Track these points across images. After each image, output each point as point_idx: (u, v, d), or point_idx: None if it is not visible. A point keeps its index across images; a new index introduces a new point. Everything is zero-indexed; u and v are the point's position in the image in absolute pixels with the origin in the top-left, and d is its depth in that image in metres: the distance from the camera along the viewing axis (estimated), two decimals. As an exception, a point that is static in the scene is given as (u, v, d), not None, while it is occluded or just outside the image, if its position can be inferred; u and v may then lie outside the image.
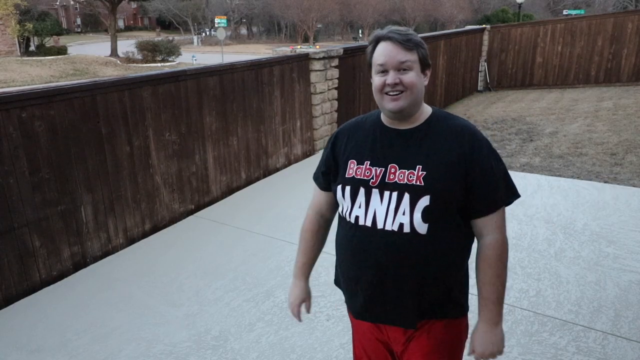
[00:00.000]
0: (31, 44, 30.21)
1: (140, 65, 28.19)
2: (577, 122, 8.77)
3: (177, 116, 4.33)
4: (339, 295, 3.17)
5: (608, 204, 4.37)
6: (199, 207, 4.63)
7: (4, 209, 3.10)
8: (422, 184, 1.37)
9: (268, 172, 5.54)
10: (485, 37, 13.46)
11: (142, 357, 2.65)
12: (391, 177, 1.41)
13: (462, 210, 1.43)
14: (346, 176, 1.48)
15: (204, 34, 53.90)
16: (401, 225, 1.39)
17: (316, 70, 5.99)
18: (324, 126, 6.36)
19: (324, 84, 6.16)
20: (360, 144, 1.50)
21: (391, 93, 1.39)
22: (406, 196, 1.38)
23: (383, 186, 1.41)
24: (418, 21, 46.15)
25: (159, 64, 28.03)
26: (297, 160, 5.99)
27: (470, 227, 1.47)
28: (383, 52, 1.40)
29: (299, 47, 34.07)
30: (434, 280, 1.42)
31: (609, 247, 3.67)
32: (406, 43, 1.39)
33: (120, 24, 58.27)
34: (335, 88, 6.45)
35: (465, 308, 1.53)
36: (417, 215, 1.37)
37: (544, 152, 6.97)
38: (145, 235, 4.12)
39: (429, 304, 1.44)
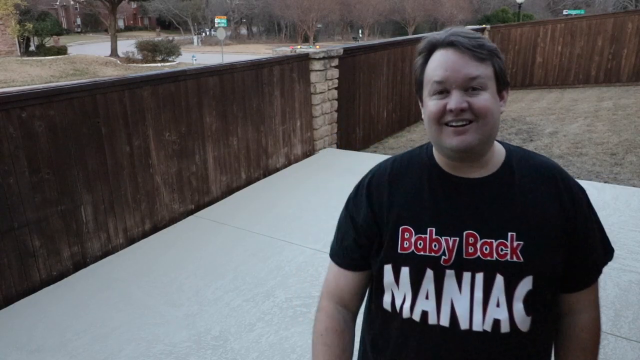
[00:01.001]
0: (31, 44, 30.22)
1: (140, 65, 28.20)
2: (577, 122, 8.77)
3: (177, 116, 4.33)
4: (339, 295, 3.17)
5: (608, 204, 4.37)
6: (199, 207, 4.63)
7: (4, 209, 3.10)
8: (522, 259, 0.96)
9: (268, 172, 5.54)
10: (485, 37, 13.46)
11: (142, 357, 2.65)
12: (471, 251, 0.98)
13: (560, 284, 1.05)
14: (400, 251, 1.02)
15: (204, 34, 53.92)
16: (497, 323, 0.97)
17: (316, 70, 5.99)
18: (324, 126, 6.36)
19: (324, 84, 6.17)
20: (413, 200, 1.04)
21: (454, 124, 0.96)
22: (499, 279, 0.96)
23: (461, 265, 0.98)
24: (418, 21, 46.17)
25: (159, 64, 28.03)
26: (297, 161, 5.99)
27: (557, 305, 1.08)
28: (443, 64, 0.97)
29: (299, 47, 34.08)
30: None
31: (609, 247, 3.67)
32: (478, 50, 0.96)
33: (120, 24, 58.29)
34: (336, 88, 6.45)
35: None
36: (518, 305, 0.97)
37: (544, 152, 6.97)
38: (145, 235, 4.12)
39: None
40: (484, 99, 0.96)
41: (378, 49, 7.62)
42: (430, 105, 0.99)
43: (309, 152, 6.22)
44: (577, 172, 5.90)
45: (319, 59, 5.97)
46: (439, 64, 0.97)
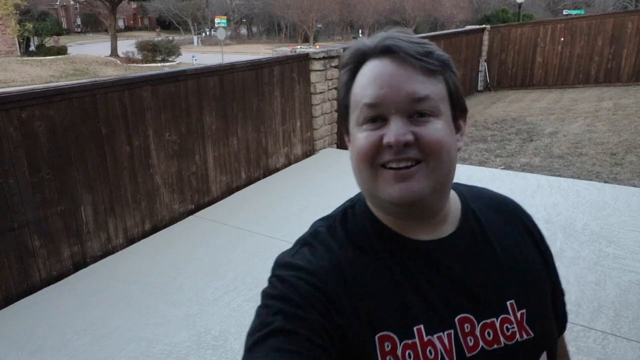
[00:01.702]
0: (31, 44, 30.21)
1: (140, 65, 28.19)
2: (577, 122, 8.77)
3: (177, 116, 4.33)
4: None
5: (608, 204, 4.37)
6: (199, 207, 4.63)
7: (4, 209, 3.10)
8: (532, 334, 0.73)
9: (268, 172, 5.54)
10: (485, 37, 13.46)
11: (142, 357, 2.65)
12: (471, 344, 0.70)
13: None
14: None
15: (204, 34, 53.92)
16: None
17: (316, 70, 5.99)
18: (324, 126, 6.36)
19: (324, 84, 6.17)
20: (380, 289, 0.71)
21: (394, 165, 0.68)
22: None
23: None
24: (418, 21, 46.18)
25: (159, 64, 28.02)
26: (297, 160, 5.99)
27: None
28: (377, 79, 0.68)
29: (299, 47, 34.08)
30: None
31: (609, 247, 3.67)
32: (426, 59, 0.68)
33: (120, 24, 58.30)
34: (336, 88, 6.45)
35: None
36: None
37: (544, 152, 6.97)
38: (145, 235, 4.12)
39: None
40: (436, 129, 0.67)
41: (378, 49, 7.62)
42: (359, 138, 0.70)
43: (309, 152, 6.22)
44: (577, 172, 5.91)
45: (319, 59, 5.97)
46: (371, 80, 0.69)
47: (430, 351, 0.68)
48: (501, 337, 0.71)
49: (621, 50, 12.27)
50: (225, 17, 42.01)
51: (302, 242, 0.77)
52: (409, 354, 0.67)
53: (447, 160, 0.68)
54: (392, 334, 0.68)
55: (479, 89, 13.71)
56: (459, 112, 0.73)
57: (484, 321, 0.71)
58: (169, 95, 4.23)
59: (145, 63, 28.74)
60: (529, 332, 0.73)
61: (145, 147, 4.04)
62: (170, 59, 29.54)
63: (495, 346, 0.71)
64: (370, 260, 0.72)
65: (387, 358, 0.67)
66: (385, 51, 0.69)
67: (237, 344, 2.72)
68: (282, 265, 0.75)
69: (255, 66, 5.16)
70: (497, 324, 0.72)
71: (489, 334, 0.71)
